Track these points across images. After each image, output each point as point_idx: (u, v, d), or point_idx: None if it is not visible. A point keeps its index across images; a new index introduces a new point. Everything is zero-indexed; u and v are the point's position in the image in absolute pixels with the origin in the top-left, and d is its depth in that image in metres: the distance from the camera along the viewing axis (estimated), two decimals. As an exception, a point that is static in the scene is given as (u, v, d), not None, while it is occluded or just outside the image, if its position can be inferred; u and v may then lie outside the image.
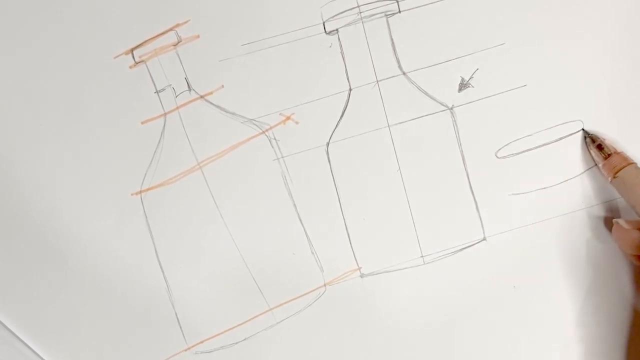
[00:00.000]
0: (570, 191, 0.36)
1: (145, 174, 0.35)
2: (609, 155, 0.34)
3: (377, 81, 0.35)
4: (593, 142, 0.35)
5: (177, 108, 0.34)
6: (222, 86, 0.34)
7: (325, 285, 0.36)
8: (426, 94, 0.35)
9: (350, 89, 0.35)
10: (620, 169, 0.33)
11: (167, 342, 0.36)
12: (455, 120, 0.35)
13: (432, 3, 0.34)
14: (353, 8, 0.34)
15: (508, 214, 0.36)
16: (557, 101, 0.35)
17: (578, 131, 0.35)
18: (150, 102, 0.34)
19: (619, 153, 0.34)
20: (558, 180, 0.36)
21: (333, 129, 0.35)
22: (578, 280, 0.37)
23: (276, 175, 0.35)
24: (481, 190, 0.36)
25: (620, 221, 0.34)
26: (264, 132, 0.35)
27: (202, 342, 0.36)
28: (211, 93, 0.34)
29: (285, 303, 0.36)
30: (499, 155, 0.36)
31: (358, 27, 0.34)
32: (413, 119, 0.35)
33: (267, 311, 0.36)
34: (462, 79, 0.35)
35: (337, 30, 0.34)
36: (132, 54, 0.34)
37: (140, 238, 0.35)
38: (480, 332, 0.37)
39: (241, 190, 0.35)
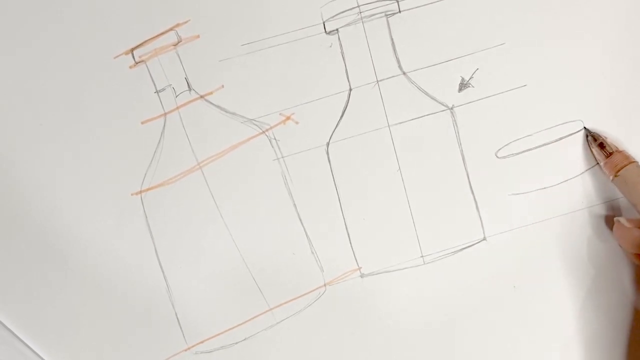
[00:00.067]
0: (570, 191, 0.36)
1: (145, 174, 0.35)
2: (611, 153, 0.34)
3: (377, 81, 0.35)
4: (595, 141, 0.35)
5: (177, 108, 0.34)
6: (222, 86, 0.34)
7: (325, 285, 0.36)
8: (426, 94, 0.35)
9: (350, 89, 0.35)
10: (622, 168, 0.33)
11: (167, 342, 0.36)
12: (455, 120, 0.35)
13: (432, 3, 0.34)
14: (353, 8, 0.34)
15: (508, 214, 0.36)
16: (557, 101, 0.35)
17: (578, 131, 0.35)
18: (150, 102, 0.34)
19: (620, 151, 0.34)
20: (558, 180, 0.36)
21: (333, 129, 0.35)
22: (578, 280, 0.37)
23: (276, 175, 0.35)
24: (481, 190, 0.36)
25: (622, 219, 0.34)
26: (264, 132, 0.35)
27: (202, 342, 0.36)
28: (211, 93, 0.34)
29: (285, 303, 0.36)
30: (499, 155, 0.36)
31: (358, 27, 0.34)
32: (413, 119, 0.35)
33: (267, 311, 0.36)
34: (462, 79, 0.35)
35: (337, 30, 0.34)
36: (132, 54, 0.34)
37: (140, 238, 0.35)
38: (480, 332, 0.37)
39: (241, 190, 0.35)
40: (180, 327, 0.36)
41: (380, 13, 0.34)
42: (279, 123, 0.35)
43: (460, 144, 0.35)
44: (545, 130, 0.35)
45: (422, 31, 0.34)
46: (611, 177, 0.34)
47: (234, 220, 0.35)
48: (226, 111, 0.35)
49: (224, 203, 0.35)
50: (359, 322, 0.37)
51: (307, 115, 0.35)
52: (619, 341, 0.37)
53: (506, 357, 0.37)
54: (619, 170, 0.33)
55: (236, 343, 0.36)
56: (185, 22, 0.34)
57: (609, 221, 0.36)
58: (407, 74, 0.35)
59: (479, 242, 0.36)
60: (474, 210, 0.36)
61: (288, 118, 0.35)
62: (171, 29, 0.34)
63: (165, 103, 0.34)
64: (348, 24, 0.34)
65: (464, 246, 0.36)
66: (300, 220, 0.36)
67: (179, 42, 0.34)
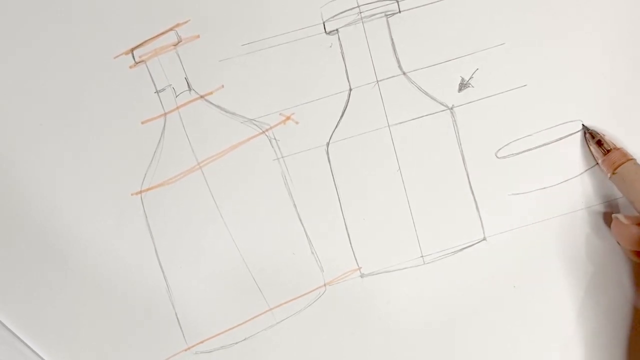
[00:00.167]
0: (570, 191, 0.36)
1: (145, 174, 0.35)
2: (609, 151, 0.34)
3: (377, 81, 0.35)
4: (593, 138, 0.35)
5: (177, 108, 0.34)
6: (222, 86, 0.34)
7: (325, 285, 0.36)
8: (426, 94, 0.35)
9: (350, 89, 0.35)
10: (620, 165, 0.33)
11: (167, 342, 0.36)
12: (455, 120, 0.35)
13: (432, 3, 0.34)
14: (353, 8, 0.34)
15: (508, 214, 0.36)
16: (557, 101, 0.35)
17: (578, 131, 0.35)
18: (150, 102, 0.34)
19: (618, 149, 0.34)
20: (558, 180, 0.36)
21: (333, 129, 0.35)
22: (578, 280, 0.37)
23: (276, 175, 0.35)
24: (481, 190, 0.36)
25: (620, 216, 0.34)
26: (264, 132, 0.35)
27: (202, 342, 0.36)
28: (211, 93, 0.34)
29: (285, 303, 0.36)
30: (499, 155, 0.36)
31: (358, 27, 0.34)
32: (413, 119, 0.35)
33: (267, 311, 0.36)
34: (462, 79, 0.35)
35: (337, 30, 0.34)
36: (132, 54, 0.34)
37: (140, 238, 0.35)
38: (480, 332, 0.37)
39: (241, 190, 0.35)
40: (180, 327, 0.36)
41: (380, 13, 0.34)
42: (279, 123, 0.35)
43: (460, 144, 0.35)
44: (545, 130, 0.35)
45: (422, 31, 0.34)
46: (609, 175, 0.34)
47: (234, 220, 0.35)
48: (226, 111, 0.35)
49: (224, 203, 0.35)
50: (359, 322, 0.37)
51: (307, 115, 0.35)
52: (619, 340, 0.37)
53: (506, 357, 0.37)
54: (616, 168, 0.33)
55: (236, 343, 0.36)
56: (185, 22, 0.34)
57: (607, 218, 0.36)
58: (407, 74, 0.35)
59: (479, 242, 0.36)
60: (474, 210, 0.36)
61: (288, 118, 0.35)
62: (171, 29, 0.34)
63: (165, 103, 0.34)
64: (348, 24, 0.34)
65: (464, 246, 0.36)
66: (300, 220, 0.36)
67: (179, 42, 0.34)
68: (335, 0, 0.34)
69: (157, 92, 0.34)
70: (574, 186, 0.36)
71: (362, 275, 0.36)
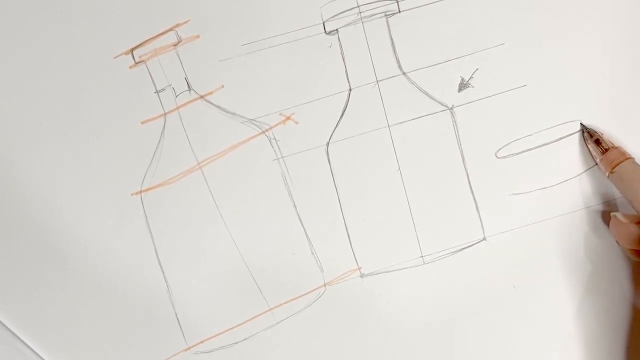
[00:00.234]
0: (570, 191, 0.36)
1: (145, 174, 0.35)
2: (607, 150, 0.34)
3: (377, 81, 0.35)
4: (591, 137, 0.35)
5: (177, 108, 0.34)
6: (222, 86, 0.34)
7: (325, 285, 0.36)
8: (426, 94, 0.35)
9: (350, 89, 0.35)
10: (618, 164, 0.33)
11: (167, 342, 0.36)
12: (455, 120, 0.35)
13: (432, 3, 0.34)
14: (353, 8, 0.34)
15: (508, 214, 0.36)
16: (557, 101, 0.35)
17: (578, 131, 0.35)
18: (150, 102, 0.34)
19: (616, 148, 0.34)
20: (558, 180, 0.36)
21: (333, 129, 0.35)
22: (578, 280, 0.37)
23: (276, 175, 0.35)
24: (481, 190, 0.36)
25: (618, 215, 0.34)
26: (264, 132, 0.35)
27: (202, 342, 0.36)
28: (211, 93, 0.34)
29: (285, 303, 0.36)
30: (499, 155, 0.36)
31: (358, 27, 0.34)
32: (413, 119, 0.35)
33: (267, 311, 0.36)
34: (462, 79, 0.35)
35: (337, 30, 0.34)
36: (132, 54, 0.34)
37: (140, 238, 0.35)
38: (480, 332, 0.37)
39: (241, 190, 0.35)
40: (180, 327, 0.36)
41: (380, 13, 0.34)
42: (279, 123, 0.35)
43: (460, 144, 0.35)
44: (545, 130, 0.35)
45: (422, 31, 0.34)
46: (607, 173, 0.34)
47: (234, 220, 0.35)
48: (226, 111, 0.35)
49: (224, 203, 0.35)
50: (359, 322, 0.37)
51: (307, 115, 0.35)
52: (619, 340, 0.37)
53: (506, 357, 0.37)
54: (614, 167, 0.33)
55: (236, 343, 0.36)
56: (185, 22, 0.34)
57: (606, 217, 0.36)
58: (407, 74, 0.35)
59: (479, 242, 0.36)
60: (473, 210, 0.36)
61: (288, 118, 0.35)
62: (171, 29, 0.34)
63: (165, 103, 0.34)
64: (348, 24, 0.34)
65: (463, 246, 0.36)
66: (300, 220, 0.36)
67: (179, 42, 0.34)
68: (335, 0, 0.34)
69: (157, 92, 0.34)
70: (574, 186, 0.36)
71: (362, 275, 0.36)
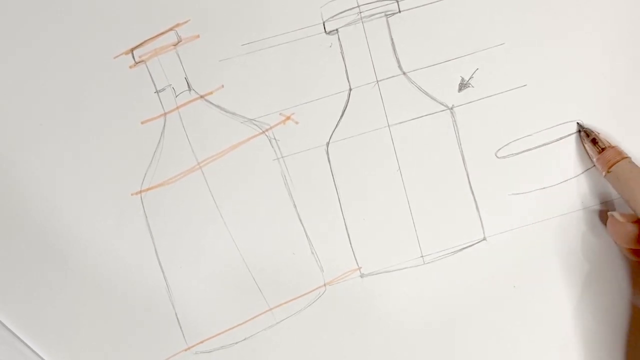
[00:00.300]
0: (570, 191, 0.36)
1: (145, 174, 0.35)
2: (603, 149, 0.34)
3: (377, 81, 0.35)
4: (587, 136, 0.35)
5: (177, 108, 0.34)
6: (222, 86, 0.34)
7: (325, 285, 0.36)
8: (426, 94, 0.35)
9: (350, 89, 0.35)
10: (614, 164, 0.33)
11: (167, 342, 0.36)
12: (455, 120, 0.35)
13: (432, 3, 0.34)
14: (353, 8, 0.34)
15: (508, 214, 0.36)
16: (557, 101, 0.35)
17: (578, 131, 0.35)
18: (150, 102, 0.34)
19: (613, 147, 0.34)
20: (558, 180, 0.36)
21: (333, 129, 0.35)
22: (578, 280, 0.37)
23: (276, 175, 0.35)
24: (481, 190, 0.36)
25: (615, 214, 0.34)
26: (264, 132, 0.35)
27: (202, 342, 0.36)
28: (211, 93, 0.34)
29: (285, 303, 0.36)
30: (499, 155, 0.36)
31: (358, 27, 0.34)
32: (413, 119, 0.35)
33: (267, 311, 0.36)
34: (462, 79, 0.35)
35: (337, 30, 0.34)
36: (132, 54, 0.34)
37: (140, 238, 0.35)
38: (480, 332, 0.37)
39: (241, 190, 0.35)
40: (180, 327, 0.36)
41: (380, 13, 0.34)
42: (279, 123, 0.35)
43: (460, 144, 0.35)
44: (545, 130, 0.35)
45: (422, 31, 0.34)
46: (604, 173, 0.34)
47: (234, 220, 0.35)
48: (226, 111, 0.35)
49: (224, 203, 0.35)
50: (359, 322, 0.37)
51: (307, 115, 0.35)
52: (618, 339, 0.37)
53: (506, 357, 0.37)
54: (611, 166, 0.33)
55: (236, 343, 0.36)
56: (185, 22, 0.34)
57: (604, 217, 0.36)
58: (407, 74, 0.35)
59: (479, 242, 0.36)
60: (474, 210, 0.36)
61: (288, 118, 0.35)
62: (171, 29, 0.34)
63: (165, 103, 0.34)
64: (348, 24, 0.34)
65: (464, 246, 0.36)
66: (300, 220, 0.36)
67: (179, 42, 0.34)
68: (335, 0, 0.34)
69: (157, 92, 0.34)
70: (574, 186, 0.36)
71: (362, 275, 0.36)
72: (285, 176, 0.35)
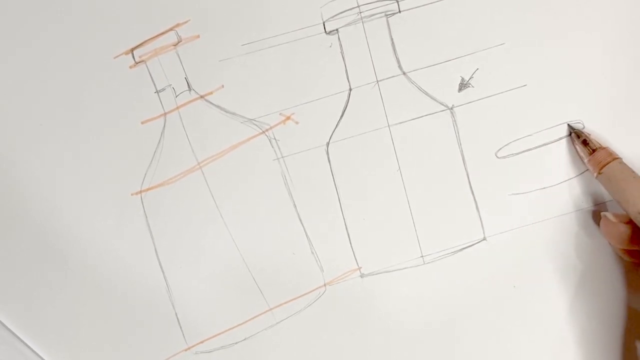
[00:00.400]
0: (570, 191, 0.36)
1: (145, 174, 0.35)
2: (594, 150, 0.34)
3: (377, 81, 0.35)
4: (578, 138, 0.35)
5: (177, 108, 0.34)
6: (222, 86, 0.34)
7: (325, 285, 0.36)
8: (426, 94, 0.35)
9: (350, 89, 0.35)
10: (605, 165, 0.33)
11: (167, 342, 0.36)
12: (455, 120, 0.35)
13: (432, 3, 0.34)
14: (353, 8, 0.34)
15: (508, 214, 0.36)
16: (557, 101, 0.35)
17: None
18: (150, 102, 0.34)
19: (604, 148, 0.34)
20: (558, 180, 0.36)
21: (333, 129, 0.35)
22: (579, 280, 0.37)
23: (276, 175, 0.35)
24: (481, 190, 0.36)
25: (608, 214, 0.34)
26: (264, 132, 0.35)
27: (202, 342, 0.36)
28: (211, 93, 0.34)
29: (285, 303, 0.36)
30: (499, 155, 0.36)
31: (358, 27, 0.34)
32: (413, 119, 0.35)
33: (267, 311, 0.36)
34: (462, 79, 0.35)
35: (337, 30, 0.34)
36: (132, 54, 0.34)
37: (140, 238, 0.35)
38: (480, 332, 0.37)
39: (241, 190, 0.35)
40: (180, 327, 0.36)
41: (380, 13, 0.34)
42: (279, 123, 0.35)
43: (460, 144, 0.35)
44: (545, 130, 0.35)
45: (422, 31, 0.34)
46: (595, 174, 0.34)
47: (234, 220, 0.35)
48: (226, 111, 0.35)
49: (224, 203, 0.35)
50: (359, 322, 0.37)
51: (307, 115, 0.35)
52: (618, 340, 0.37)
53: (506, 357, 0.37)
54: (602, 167, 0.33)
55: (236, 343, 0.36)
56: (185, 22, 0.34)
57: (597, 217, 0.36)
58: (407, 74, 0.35)
59: (479, 242, 0.36)
60: (474, 210, 0.36)
61: (288, 118, 0.35)
62: (171, 29, 0.34)
63: (165, 103, 0.34)
64: (348, 24, 0.34)
65: (464, 246, 0.36)
66: (300, 220, 0.36)
67: (179, 42, 0.34)
68: (335, 0, 0.34)
69: (157, 92, 0.34)
70: (574, 186, 0.36)
71: (362, 275, 0.36)
72: (285, 176, 0.35)
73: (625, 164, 0.33)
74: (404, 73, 0.35)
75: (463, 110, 0.35)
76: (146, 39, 0.34)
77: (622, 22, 0.35)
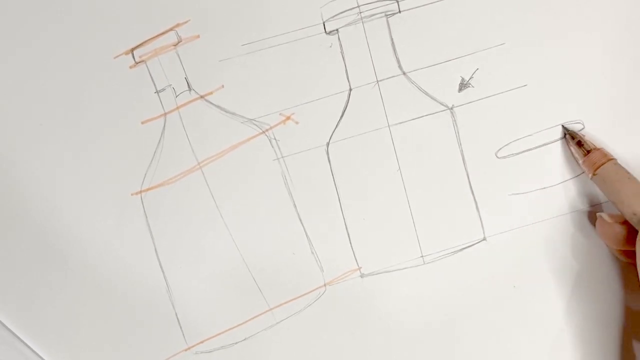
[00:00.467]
0: (570, 191, 0.36)
1: (145, 174, 0.35)
2: (589, 151, 0.34)
3: (377, 81, 0.35)
4: (572, 139, 0.34)
5: (177, 108, 0.34)
6: (222, 86, 0.34)
7: (325, 285, 0.36)
8: (426, 94, 0.35)
9: (350, 89, 0.35)
10: (600, 166, 0.33)
11: (167, 342, 0.36)
12: (455, 120, 0.35)
13: (432, 3, 0.34)
14: (353, 8, 0.34)
15: (508, 214, 0.36)
16: (557, 101, 0.35)
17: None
18: (150, 102, 0.34)
19: (598, 149, 0.34)
20: (558, 180, 0.36)
21: (333, 129, 0.35)
22: (579, 280, 0.37)
23: (276, 175, 0.35)
24: (481, 190, 0.36)
25: (604, 215, 0.34)
26: (264, 132, 0.35)
27: (202, 342, 0.36)
28: (211, 93, 0.34)
29: (285, 303, 0.36)
30: (499, 155, 0.36)
31: (358, 27, 0.34)
32: (413, 119, 0.35)
33: (267, 311, 0.36)
34: (462, 79, 0.35)
35: (337, 30, 0.34)
36: (132, 54, 0.34)
37: (140, 238, 0.35)
38: (480, 332, 0.37)
39: (241, 190, 0.35)
40: (180, 327, 0.36)
41: (380, 13, 0.34)
42: (279, 123, 0.35)
43: (460, 144, 0.35)
44: (545, 130, 0.35)
45: (422, 31, 0.34)
46: (590, 176, 0.34)
47: (234, 220, 0.35)
48: (226, 111, 0.35)
49: (224, 203, 0.35)
50: (359, 322, 0.37)
51: (307, 115, 0.35)
52: (618, 339, 0.37)
53: (506, 357, 0.37)
54: (597, 169, 0.33)
55: (236, 343, 0.36)
56: (185, 22, 0.34)
57: (593, 218, 0.36)
58: (407, 74, 0.35)
59: (479, 242, 0.36)
60: (474, 210, 0.36)
61: (288, 118, 0.35)
62: (171, 29, 0.34)
63: (165, 103, 0.34)
64: (348, 24, 0.34)
65: (464, 246, 0.36)
66: (300, 220, 0.36)
67: (179, 42, 0.34)
68: (335, 0, 0.34)
69: (157, 92, 0.34)
70: (574, 186, 0.36)
71: (362, 275, 0.36)
72: (285, 176, 0.35)
73: (619, 165, 0.33)
74: (404, 73, 0.35)
75: (463, 110, 0.35)
76: (146, 39, 0.34)
77: (622, 22, 0.35)
